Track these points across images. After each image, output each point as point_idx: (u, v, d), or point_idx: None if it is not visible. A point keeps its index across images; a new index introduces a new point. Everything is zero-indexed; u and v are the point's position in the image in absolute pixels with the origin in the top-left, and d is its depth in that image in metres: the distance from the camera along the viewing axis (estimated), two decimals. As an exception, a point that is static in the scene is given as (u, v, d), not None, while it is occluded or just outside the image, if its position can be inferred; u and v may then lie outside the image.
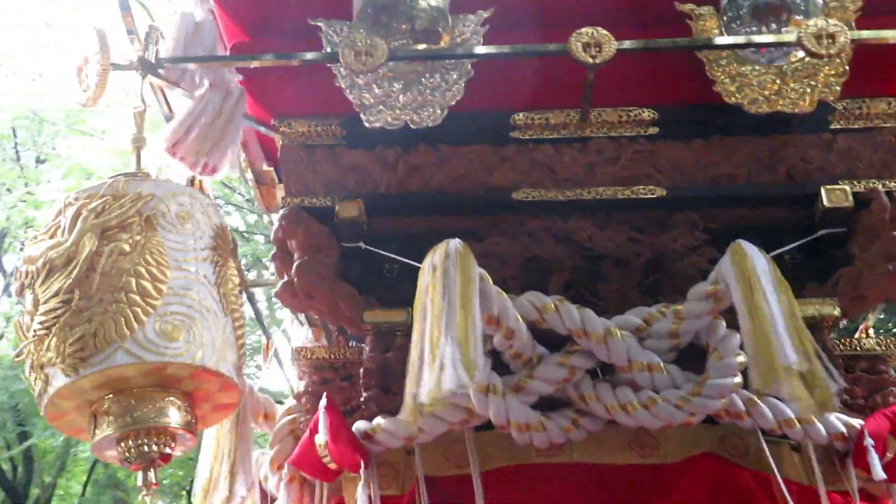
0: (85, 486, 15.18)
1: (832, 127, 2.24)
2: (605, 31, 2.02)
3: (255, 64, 2.20)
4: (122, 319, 1.61)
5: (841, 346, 2.18)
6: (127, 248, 1.67)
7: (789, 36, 2.05)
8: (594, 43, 2.02)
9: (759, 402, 1.98)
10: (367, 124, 2.17)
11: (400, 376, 1.95)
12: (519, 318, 1.97)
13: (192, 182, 2.29)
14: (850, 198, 2.13)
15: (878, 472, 1.90)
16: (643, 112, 2.27)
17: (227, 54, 2.33)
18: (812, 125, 2.22)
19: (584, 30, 2.02)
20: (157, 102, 2.26)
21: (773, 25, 2.15)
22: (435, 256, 1.89)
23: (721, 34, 2.17)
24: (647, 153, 2.24)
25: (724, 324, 1.97)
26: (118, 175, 1.86)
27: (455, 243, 1.90)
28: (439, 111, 2.16)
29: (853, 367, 2.17)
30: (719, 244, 2.18)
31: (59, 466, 14.95)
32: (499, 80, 2.24)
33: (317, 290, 2.16)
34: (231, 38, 2.37)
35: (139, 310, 1.62)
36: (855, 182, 2.18)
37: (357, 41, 2.07)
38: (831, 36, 2.00)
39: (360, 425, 2.06)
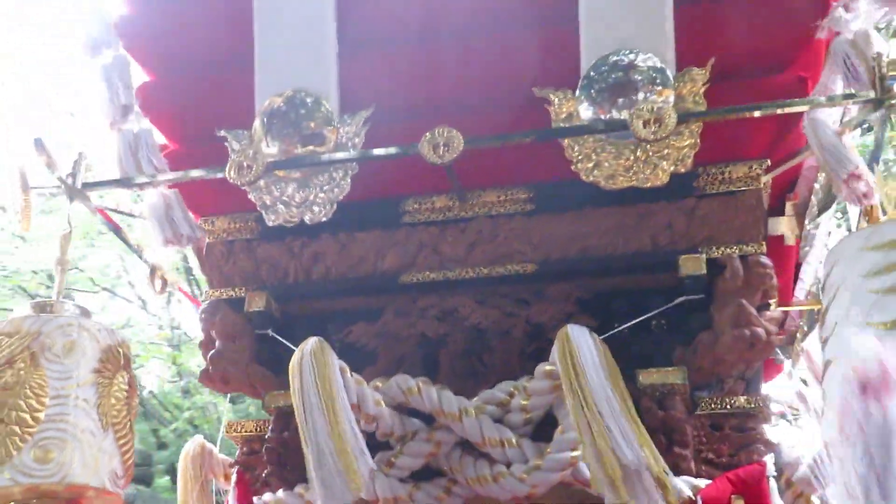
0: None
1: (696, 194, 2.32)
2: (453, 131, 2.19)
3: (160, 178, 2.50)
4: (2, 449, 1.96)
5: (711, 405, 2.28)
6: (11, 381, 2.01)
7: (621, 121, 2.16)
8: (443, 143, 2.20)
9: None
10: (268, 223, 2.44)
11: (296, 453, 2.23)
12: (381, 402, 2.19)
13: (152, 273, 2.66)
14: (704, 266, 2.23)
15: (708, 538, 2.02)
16: (519, 191, 2.42)
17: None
18: (676, 192, 2.31)
19: (432, 131, 2.20)
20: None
21: (621, 101, 2.26)
22: (294, 360, 2.13)
23: (576, 116, 2.30)
24: (522, 230, 2.39)
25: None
26: (20, 312, 2.19)
27: (312, 346, 2.13)
28: (328, 207, 2.40)
29: (722, 426, 2.27)
30: (594, 312, 2.33)
31: None
32: (389, 169, 2.44)
33: (231, 375, 2.45)
34: (167, 146, 2.68)
35: (17, 438, 1.96)
36: (713, 248, 2.26)
37: (242, 155, 2.33)
38: (658, 120, 2.10)
39: (264, 498, 2.35)
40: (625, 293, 2.33)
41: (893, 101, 1.98)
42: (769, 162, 2.30)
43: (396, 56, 2.51)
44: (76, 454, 2.03)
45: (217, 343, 2.50)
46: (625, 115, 2.16)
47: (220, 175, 2.35)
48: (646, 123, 2.11)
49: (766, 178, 2.34)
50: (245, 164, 2.32)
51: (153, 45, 2.70)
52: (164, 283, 2.84)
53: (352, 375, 2.17)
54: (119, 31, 2.67)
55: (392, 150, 2.28)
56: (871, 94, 2.02)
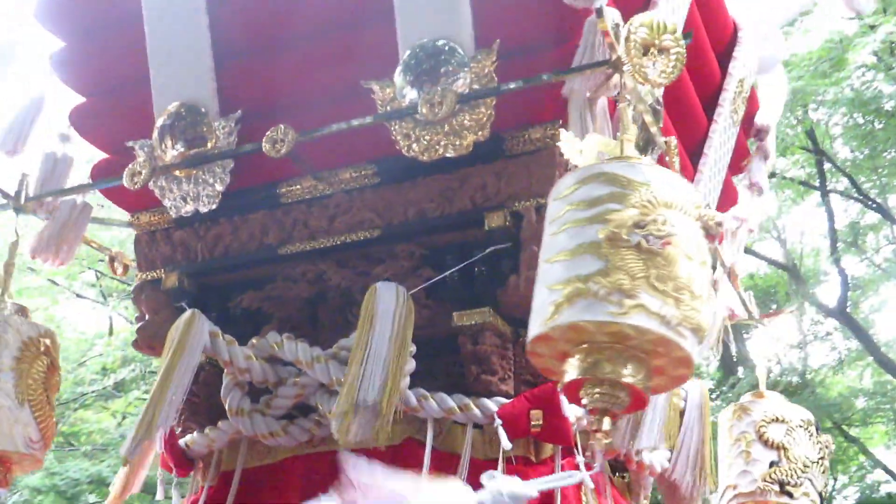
0: None
1: (504, 156, 2.69)
2: (286, 127, 2.64)
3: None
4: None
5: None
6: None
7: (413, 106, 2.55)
8: (279, 138, 2.65)
9: (430, 397, 2.56)
10: (172, 215, 2.95)
11: (206, 401, 2.78)
12: (252, 357, 2.69)
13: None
14: (506, 219, 2.61)
15: (505, 443, 2.44)
16: (366, 167, 2.85)
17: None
18: (489, 156, 2.69)
19: (271, 129, 2.65)
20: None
21: (429, 84, 2.63)
22: (172, 328, 2.65)
23: (396, 101, 2.69)
24: (370, 200, 2.82)
25: None
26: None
27: (184, 316, 2.64)
28: (214, 197, 2.89)
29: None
30: (435, 265, 2.75)
31: None
32: (264, 160, 2.90)
33: (156, 342, 2.99)
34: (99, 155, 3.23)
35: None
36: (516, 203, 2.64)
37: (135, 164, 2.85)
38: (440, 102, 2.49)
39: (185, 439, 2.90)
40: (455, 247, 2.73)
41: (626, 67, 2.27)
42: (561, 122, 2.64)
43: (259, 63, 2.96)
44: (-7, 425, 2.62)
45: (145, 316, 3.05)
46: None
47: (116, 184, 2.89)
48: (431, 106, 2.50)
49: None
50: (136, 171, 2.83)
51: (84, 72, 3.23)
52: (125, 267, 3.40)
53: (223, 337, 2.68)
54: (53, 62, 3.21)
55: (247, 146, 2.75)
56: (608, 60, 2.34)
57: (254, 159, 2.85)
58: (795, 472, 3.35)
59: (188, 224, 3.05)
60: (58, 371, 2.85)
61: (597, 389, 1.87)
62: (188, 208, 2.92)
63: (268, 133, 2.65)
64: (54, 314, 12.83)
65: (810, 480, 3.38)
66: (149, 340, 3.01)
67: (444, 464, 2.56)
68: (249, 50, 2.97)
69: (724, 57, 3.66)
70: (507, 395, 2.59)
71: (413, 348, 2.56)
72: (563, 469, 2.58)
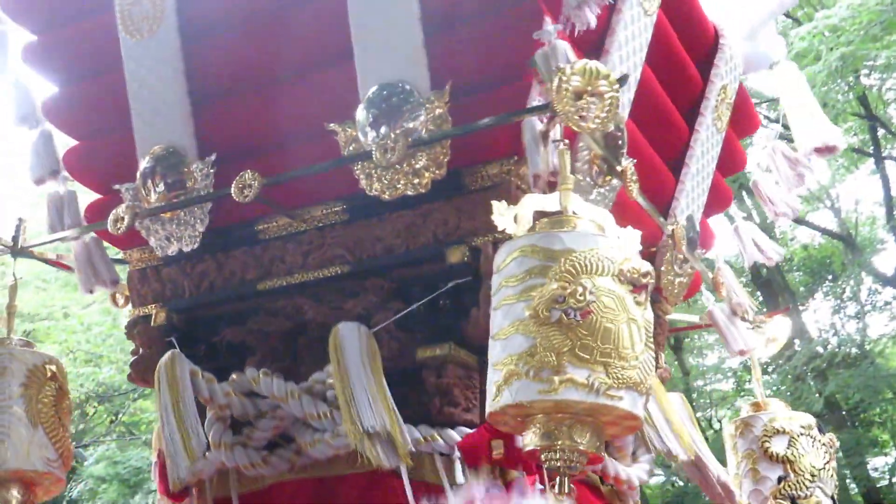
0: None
1: (463, 192, 2.76)
2: (253, 173, 2.75)
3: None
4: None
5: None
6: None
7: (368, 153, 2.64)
8: (247, 184, 2.76)
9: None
10: (158, 253, 3.09)
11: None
12: (231, 393, 2.82)
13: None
14: (464, 254, 2.68)
15: (459, 476, 2.53)
16: (336, 205, 2.94)
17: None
18: (450, 192, 2.76)
19: (239, 175, 2.76)
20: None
21: (386, 126, 2.72)
22: (156, 371, 2.79)
23: (360, 142, 2.77)
24: (340, 236, 2.92)
25: None
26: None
27: (165, 359, 2.78)
28: (196, 237, 3.02)
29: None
30: (404, 298, 2.84)
31: None
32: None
33: (149, 375, 3.13)
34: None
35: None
36: (475, 238, 2.71)
37: (117, 210, 2.99)
38: (393, 147, 2.57)
39: None
40: (420, 281, 2.81)
41: (560, 111, 2.32)
42: (516, 158, 2.70)
43: (234, 106, 3.07)
44: (10, 448, 2.79)
45: (139, 350, 3.20)
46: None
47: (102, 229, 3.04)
48: (384, 151, 2.59)
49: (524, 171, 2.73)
50: (119, 217, 2.98)
51: (76, 118, 3.38)
52: (126, 299, 3.56)
53: (203, 375, 2.81)
54: (45, 108, 3.37)
55: (219, 191, 2.87)
56: (548, 105, 2.39)
57: (230, 200, 2.97)
58: (804, 484, 3.40)
59: (176, 262, 3.19)
60: (67, 395, 3.03)
61: (554, 455, 2.01)
62: (173, 248, 3.05)
63: (236, 179, 2.77)
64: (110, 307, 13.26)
65: (820, 488, 3.42)
66: (142, 374, 3.16)
67: (415, 491, 2.67)
68: (225, 93, 3.08)
69: (706, 65, 3.67)
70: (471, 425, 2.68)
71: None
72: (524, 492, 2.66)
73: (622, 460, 3.12)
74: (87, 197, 3.44)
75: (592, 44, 2.90)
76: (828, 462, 3.46)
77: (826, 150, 3.93)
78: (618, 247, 2.12)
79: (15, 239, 3.21)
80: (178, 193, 3.02)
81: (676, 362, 15.38)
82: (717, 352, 19.03)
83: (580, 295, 1.99)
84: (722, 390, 18.27)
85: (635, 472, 3.10)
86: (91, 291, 3.27)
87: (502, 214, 2.25)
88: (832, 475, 3.47)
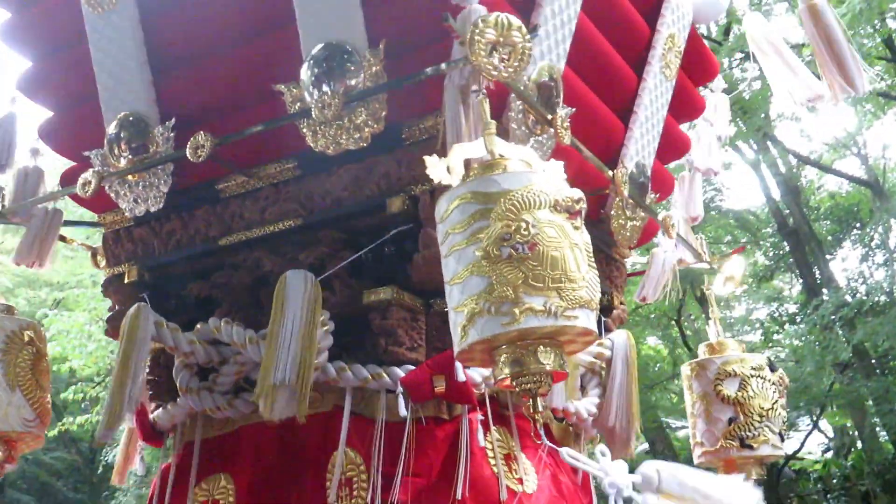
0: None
1: (403, 145, 2.92)
2: (205, 134, 2.92)
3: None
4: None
5: (442, 306, 2.92)
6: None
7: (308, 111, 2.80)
8: (200, 144, 2.93)
9: (347, 368, 2.85)
10: (127, 214, 3.28)
11: (163, 382, 3.14)
12: (195, 341, 3.01)
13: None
14: (408, 203, 2.85)
15: (402, 410, 2.71)
16: (288, 161, 3.11)
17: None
18: (393, 145, 2.93)
19: (193, 137, 2.93)
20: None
21: (329, 85, 2.87)
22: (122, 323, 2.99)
23: (305, 101, 2.93)
24: (294, 191, 3.10)
25: None
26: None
27: (131, 310, 2.97)
28: (160, 198, 3.20)
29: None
30: (355, 247, 3.01)
31: None
32: (203, 162, 3.20)
33: (122, 329, 3.34)
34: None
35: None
36: (414, 188, 2.87)
37: (85, 174, 3.18)
38: (329, 104, 2.73)
39: (151, 416, 3.26)
40: (368, 231, 2.98)
41: (475, 63, 2.46)
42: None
43: (191, 71, 3.24)
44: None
45: (114, 306, 3.40)
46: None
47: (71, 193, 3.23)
48: (322, 108, 2.75)
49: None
50: (87, 181, 3.16)
51: (49, 90, 3.57)
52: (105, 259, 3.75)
53: (167, 326, 3.00)
54: (20, 83, 3.55)
55: (176, 152, 3.05)
56: (464, 58, 2.52)
57: (192, 162, 3.15)
58: (752, 424, 3.55)
59: (146, 222, 3.38)
60: (44, 357, 3.23)
61: (523, 380, 2.15)
62: (139, 209, 3.24)
63: (190, 140, 2.94)
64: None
65: (768, 427, 3.57)
66: (117, 328, 3.35)
67: (367, 427, 2.86)
68: (181, 61, 3.25)
69: (653, 14, 3.78)
70: (415, 363, 2.86)
71: (331, 325, 2.86)
72: (470, 424, 2.84)
73: (570, 394, 3.29)
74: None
75: (524, -1, 3.03)
76: (777, 400, 3.61)
77: (817, 100, 4.04)
78: (548, 179, 2.27)
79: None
80: (143, 157, 3.19)
81: (704, 315, 15.36)
82: (745, 304, 19.12)
83: (524, 230, 2.14)
84: (750, 342, 18.26)
85: (584, 404, 3.27)
86: (18, 264, 3.46)
87: (435, 166, 2.39)
88: (780, 413, 3.62)
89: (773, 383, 3.64)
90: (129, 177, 3.22)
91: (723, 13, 4.31)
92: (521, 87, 2.75)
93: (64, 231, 3.57)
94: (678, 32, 3.84)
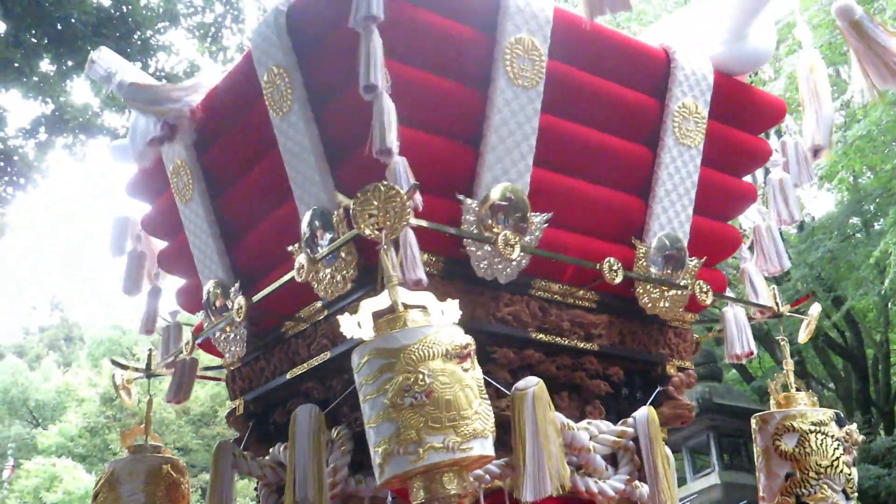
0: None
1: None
2: (245, 297, 3.61)
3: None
4: None
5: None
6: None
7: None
8: (239, 307, 3.63)
9: (363, 480, 3.35)
10: (228, 359, 4.06)
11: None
12: (265, 465, 3.68)
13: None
14: None
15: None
16: (317, 304, 3.70)
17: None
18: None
19: (237, 299, 3.64)
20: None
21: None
22: None
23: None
24: (325, 328, 3.67)
25: None
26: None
27: (216, 445, 3.71)
28: (241, 345, 3.94)
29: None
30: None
31: (885, 322, 16.37)
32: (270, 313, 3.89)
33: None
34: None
35: None
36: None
37: (186, 343, 4.01)
38: (302, 267, 3.30)
39: None
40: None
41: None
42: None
43: (240, 246, 3.97)
44: None
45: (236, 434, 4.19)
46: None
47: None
48: (307, 264, 3.33)
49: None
50: (188, 342, 4.00)
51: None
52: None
53: (242, 456, 3.71)
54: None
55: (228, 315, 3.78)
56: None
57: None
58: (808, 482, 3.54)
59: (248, 363, 4.13)
60: (179, 487, 4.07)
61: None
62: (232, 354, 4.00)
63: (234, 305, 3.66)
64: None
65: (828, 484, 3.53)
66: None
67: None
68: (234, 239, 3.99)
69: (663, 90, 3.91)
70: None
71: (350, 445, 3.39)
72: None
73: (595, 475, 3.49)
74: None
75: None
76: (838, 458, 3.52)
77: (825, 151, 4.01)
78: (441, 330, 2.70)
79: (147, 365, 4.35)
80: (225, 315, 3.96)
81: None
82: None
83: (421, 380, 2.66)
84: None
85: (610, 483, 3.47)
86: (169, 401, 4.31)
87: (346, 323, 2.89)
88: (842, 470, 3.52)
89: (837, 440, 3.56)
90: (225, 329, 3.99)
91: (767, 60, 4.26)
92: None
93: (203, 373, 4.45)
94: (699, 98, 3.92)
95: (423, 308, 2.87)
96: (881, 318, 16.14)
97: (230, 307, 3.92)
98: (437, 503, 2.70)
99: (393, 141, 3.04)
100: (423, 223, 3.15)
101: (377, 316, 2.87)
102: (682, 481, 13.90)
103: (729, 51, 4.07)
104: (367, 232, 2.88)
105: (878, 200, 14.63)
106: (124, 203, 4.64)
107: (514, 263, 3.42)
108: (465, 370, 2.73)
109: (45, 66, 11.13)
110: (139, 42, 10.93)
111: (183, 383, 4.29)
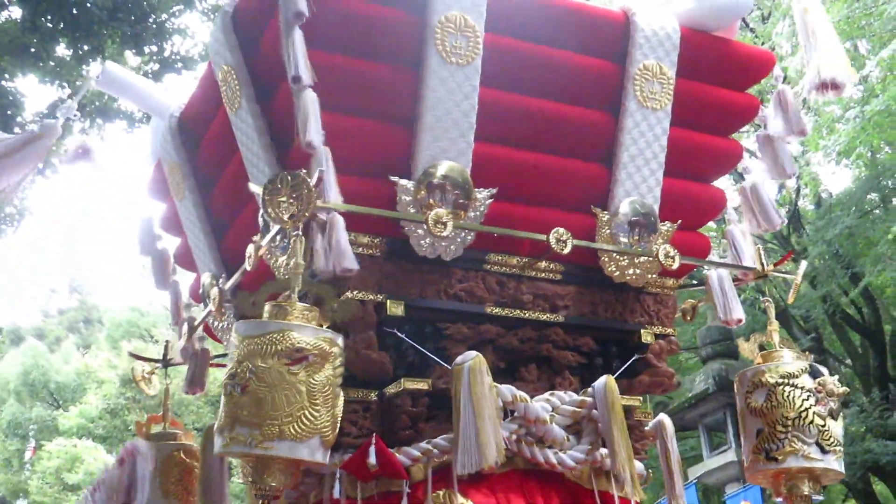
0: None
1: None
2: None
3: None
4: None
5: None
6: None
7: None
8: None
9: (321, 459, 3.47)
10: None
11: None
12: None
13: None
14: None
15: (335, 492, 3.25)
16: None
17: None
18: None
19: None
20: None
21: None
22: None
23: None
24: None
25: None
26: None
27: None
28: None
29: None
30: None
31: None
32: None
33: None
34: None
35: None
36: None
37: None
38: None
39: None
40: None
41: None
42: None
43: (230, 241, 4.14)
44: None
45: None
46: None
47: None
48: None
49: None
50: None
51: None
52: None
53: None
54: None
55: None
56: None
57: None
58: (776, 436, 3.43)
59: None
60: (193, 472, 4.26)
61: (255, 490, 2.86)
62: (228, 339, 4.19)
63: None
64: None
65: (797, 436, 3.41)
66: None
67: None
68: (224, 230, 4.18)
69: (623, 53, 3.83)
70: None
71: None
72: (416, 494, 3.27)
73: (555, 446, 3.48)
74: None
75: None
76: (807, 409, 3.38)
77: (832, 88, 3.84)
78: (294, 330, 2.80)
79: (164, 356, 4.60)
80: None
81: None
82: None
83: (242, 373, 2.76)
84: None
85: (571, 454, 3.47)
86: (187, 393, 4.51)
87: (244, 299, 3.02)
88: (812, 421, 3.38)
89: (808, 390, 3.42)
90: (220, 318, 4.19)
91: (744, 12, 4.09)
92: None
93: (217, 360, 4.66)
94: (659, 60, 3.83)
95: (315, 309, 2.97)
96: (902, 295, 15.41)
97: (212, 297, 4.11)
98: (257, 489, 2.83)
99: (315, 133, 3.12)
100: (353, 207, 3.23)
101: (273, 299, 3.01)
102: (698, 458, 13.60)
103: (699, 6, 3.95)
104: (278, 219, 2.98)
105: (896, 176, 14.01)
106: (145, 200, 4.90)
107: (457, 241, 3.45)
108: (294, 374, 2.79)
109: (61, 50, 11.23)
110: (154, 26, 10.98)
111: (196, 374, 4.51)
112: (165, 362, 4.61)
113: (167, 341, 4.69)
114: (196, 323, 4.24)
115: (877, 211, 15.20)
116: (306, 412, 2.75)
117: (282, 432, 2.71)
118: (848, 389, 3.99)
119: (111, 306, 32.71)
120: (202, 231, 4.22)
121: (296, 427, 2.73)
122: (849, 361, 17.10)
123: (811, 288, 15.36)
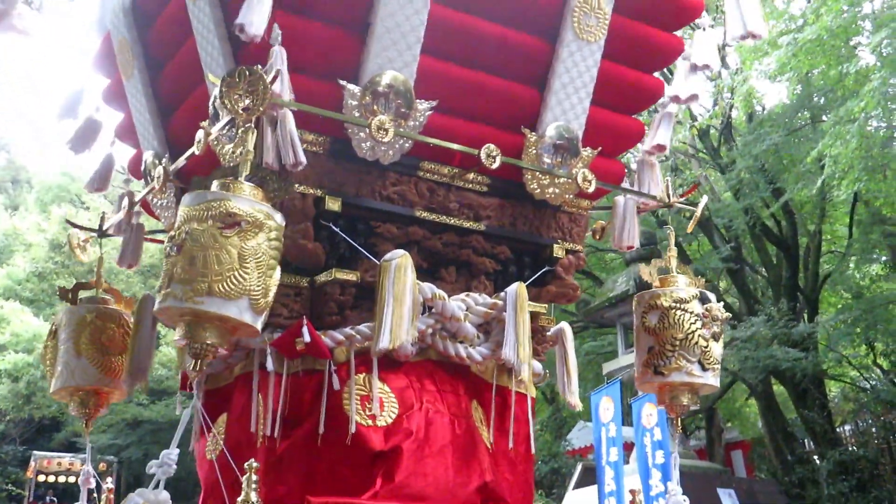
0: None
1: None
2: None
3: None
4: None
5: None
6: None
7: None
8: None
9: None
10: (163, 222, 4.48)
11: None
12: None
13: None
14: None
15: (268, 365, 3.55)
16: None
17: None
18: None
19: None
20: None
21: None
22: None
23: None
24: None
25: None
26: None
27: (140, 298, 4.16)
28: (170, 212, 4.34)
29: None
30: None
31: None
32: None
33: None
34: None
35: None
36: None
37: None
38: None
39: None
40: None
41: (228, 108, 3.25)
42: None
43: (177, 120, 4.30)
44: (65, 372, 4.29)
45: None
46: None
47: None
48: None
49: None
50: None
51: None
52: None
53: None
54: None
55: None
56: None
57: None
58: (664, 353, 3.83)
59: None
60: (106, 331, 4.36)
61: (190, 347, 3.05)
62: (166, 216, 4.41)
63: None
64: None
65: (682, 355, 3.81)
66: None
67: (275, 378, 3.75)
68: (168, 113, 4.34)
69: (566, -13, 4.08)
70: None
71: None
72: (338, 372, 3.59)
73: (466, 342, 3.84)
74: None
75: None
76: (694, 332, 3.78)
77: (752, 37, 4.14)
78: (232, 200, 2.99)
79: (100, 227, 4.77)
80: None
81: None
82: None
83: (179, 235, 2.98)
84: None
85: (478, 350, 3.84)
86: (120, 266, 4.70)
87: (197, 185, 3.24)
88: (697, 342, 3.78)
89: (696, 315, 3.82)
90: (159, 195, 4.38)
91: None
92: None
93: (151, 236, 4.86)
94: (596, -8, 4.08)
95: (259, 189, 3.17)
96: (817, 210, 16.39)
97: (155, 176, 4.30)
98: (192, 345, 2.99)
99: (259, 25, 3.30)
100: (304, 107, 3.44)
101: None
102: (613, 354, 14.47)
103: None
104: (233, 110, 3.18)
105: (828, 94, 14.68)
106: (86, 74, 4.97)
107: (396, 147, 3.71)
108: (226, 237, 2.95)
109: None
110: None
111: (131, 247, 4.72)
112: (101, 232, 4.78)
113: (103, 213, 4.85)
114: (137, 199, 4.42)
115: (806, 128, 15.81)
116: (236, 273, 2.93)
117: (211, 289, 2.90)
118: (730, 315, 4.41)
119: (41, 169, 31.76)
120: (148, 110, 4.38)
121: (224, 286, 2.91)
122: (764, 271, 18.00)
123: (735, 199, 16.09)
